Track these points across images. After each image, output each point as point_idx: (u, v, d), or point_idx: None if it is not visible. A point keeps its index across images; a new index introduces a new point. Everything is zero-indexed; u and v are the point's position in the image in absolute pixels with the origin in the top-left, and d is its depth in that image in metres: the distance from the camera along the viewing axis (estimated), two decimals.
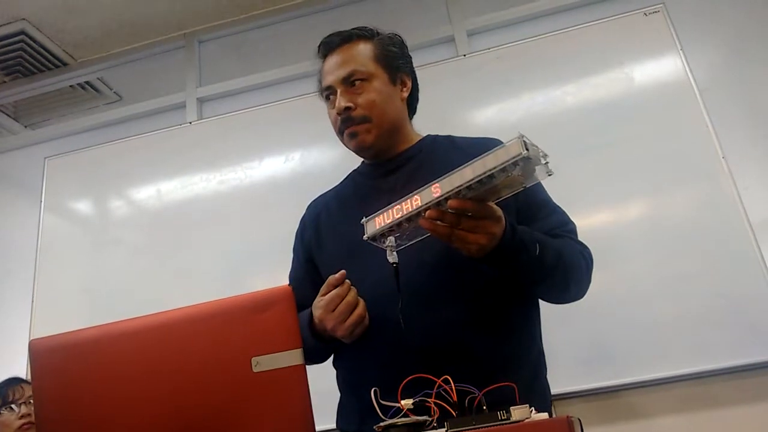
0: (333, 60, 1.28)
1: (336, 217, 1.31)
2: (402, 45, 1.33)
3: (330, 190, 1.42)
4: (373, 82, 1.25)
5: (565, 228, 1.21)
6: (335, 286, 1.08)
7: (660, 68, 2.27)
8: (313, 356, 1.21)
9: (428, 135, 1.36)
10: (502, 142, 1.27)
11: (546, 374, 1.21)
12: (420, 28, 2.68)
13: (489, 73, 2.43)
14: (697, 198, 2.09)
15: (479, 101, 2.42)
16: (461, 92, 2.42)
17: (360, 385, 1.15)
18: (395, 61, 1.30)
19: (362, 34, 1.29)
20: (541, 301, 1.25)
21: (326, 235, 1.31)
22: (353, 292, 1.09)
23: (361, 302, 1.09)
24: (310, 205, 1.42)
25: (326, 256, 1.28)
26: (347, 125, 1.25)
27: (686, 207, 2.09)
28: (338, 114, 1.24)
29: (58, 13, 2.73)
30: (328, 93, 1.28)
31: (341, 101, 1.23)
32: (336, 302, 1.07)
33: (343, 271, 1.09)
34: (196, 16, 2.90)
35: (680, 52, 2.25)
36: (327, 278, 1.13)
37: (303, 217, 1.41)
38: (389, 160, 1.30)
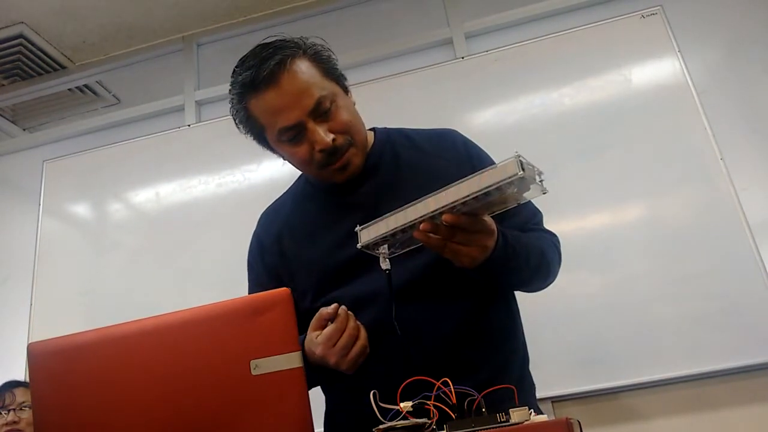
0: (281, 93, 1.09)
1: (304, 241, 1.21)
2: (329, 51, 1.18)
3: (284, 200, 1.32)
4: (337, 101, 1.12)
5: (535, 220, 1.21)
6: (327, 320, 1.03)
7: (658, 70, 2.28)
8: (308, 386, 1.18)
9: (377, 129, 1.27)
10: (457, 133, 1.26)
11: (529, 367, 1.21)
12: (418, 31, 2.68)
13: (487, 75, 2.44)
14: (695, 199, 2.10)
15: (477, 103, 2.42)
16: (459, 95, 2.43)
17: (356, 398, 1.14)
18: (337, 71, 1.17)
19: (292, 52, 1.10)
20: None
21: (295, 260, 1.21)
22: (352, 322, 1.03)
23: (362, 331, 1.04)
24: (263, 220, 1.32)
25: (298, 282, 1.19)
26: (335, 158, 1.12)
27: (684, 209, 2.10)
28: (322, 150, 1.10)
29: (57, 16, 2.73)
30: (293, 133, 1.11)
31: (324, 136, 1.09)
32: (336, 337, 1.02)
33: (335, 304, 1.04)
34: (195, 19, 2.91)
35: (678, 54, 2.26)
36: (304, 309, 1.11)
37: (257, 233, 1.31)
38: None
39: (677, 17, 2.33)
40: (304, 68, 1.10)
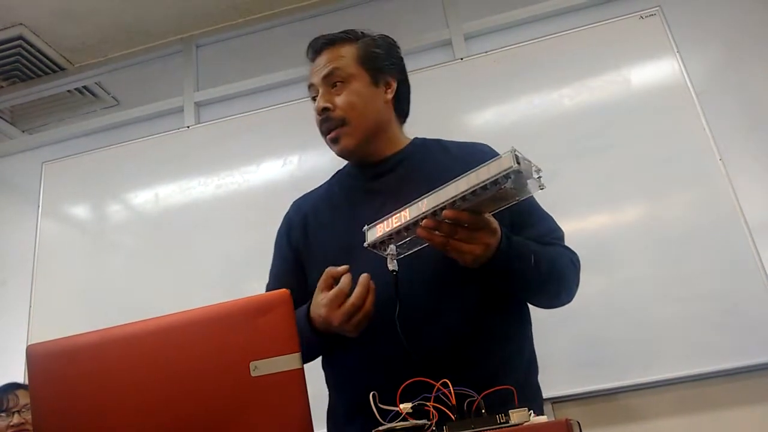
0: (317, 62, 1.28)
1: (326, 220, 1.28)
2: (390, 47, 1.31)
3: (315, 190, 1.39)
4: (353, 83, 1.24)
5: (554, 235, 1.22)
6: (334, 278, 1.06)
7: (657, 71, 2.28)
8: (312, 353, 1.19)
9: (416, 138, 1.35)
10: (488, 147, 1.29)
11: (537, 375, 1.21)
12: (417, 32, 2.68)
13: (486, 76, 2.44)
14: (695, 200, 2.10)
15: (476, 104, 2.42)
16: (458, 96, 2.43)
17: (351, 385, 1.16)
18: (379, 62, 1.28)
19: (347, 37, 1.29)
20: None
21: (315, 239, 1.27)
22: (360, 287, 1.04)
23: (369, 297, 1.05)
24: (295, 203, 1.39)
25: (315, 260, 1.24)
26: (327, 127, 1.25)
27: (684, 209, 2.10)
28: (318, 114, 1.25)
29: (56, 18, 2.73)
30: (311, 93, 1.29)
31: (320, 101, 1.24)
32: (341, 299, 1.04)
33: (346, 266, 1.06)
34: (194, 21, 2.91)
35: (677, 54, 2.26)
36: (314, 281, 1.11)
37: (288, 215, 1.38)
38: (378, 163, 1.28)
39: (676, 18, 2.33)
40: (343, 49, 1.27)
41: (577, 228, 2.14)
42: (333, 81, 1.24)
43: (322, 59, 1.27)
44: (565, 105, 2.32)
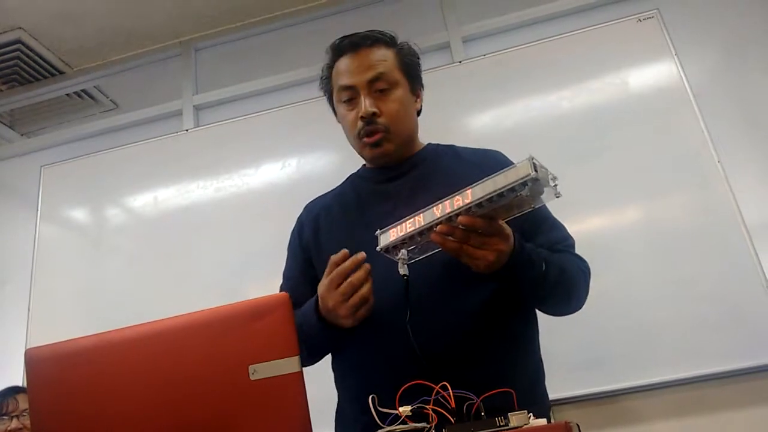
0: (354, 60, 1.24)
1: (337, 220, 1.30)
2: (417, 56, 1.34)
3: (328, 192, 1.41)
4: (397, 90, 1.24)
5: (566, 243, 1.23)
6: (337, 264, 1.07)
7: (655, 73, 2.28)
8: (318, 347, 1.19)
9: (429, 144, 1.36)
10: (502, 155, 1.30)
11: (544, 382, 1.22)
12: (415, 35, 2.63)
13: (484, 79, 2.44)
14: (693, 202, 2.10)
15: (475, 107, 2.42)
16: (457, 99, 2.43)
17: (357, 386, 1.17)
18: (415, 70, 1.31)
19: (384, 39, 1.28)
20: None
21: (325, 238, 1.29)
22: (360, 272, 1.05)
23: (367, 284, 1.06)
24: (307, 205, 1.41)
25: (324, 260, 1.24)
26: (369, 131, 1.22)
27: (682, 211, 2.10)
28: (363, 118, 1.22)
29: (55, 22, 2.73)
30: (349, 94, 1.24)
31: (369, 105, 1.21)
32: (339, 280, 1.05)
33: (345, 250, 1.07)
34: (193, 24, 2.91)
35: (675, 57, 2.26)
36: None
37: (300, 216, 1.40)
38: (394, 165, 1.30)
39: (674, 20, 2.33)
40: (383, 53, 1.26)
41: (575, 230, 2.10)
42: (379, 87, 1.22)
43: (361, 59, 1.24)
44: (563, 108, 2.32)
